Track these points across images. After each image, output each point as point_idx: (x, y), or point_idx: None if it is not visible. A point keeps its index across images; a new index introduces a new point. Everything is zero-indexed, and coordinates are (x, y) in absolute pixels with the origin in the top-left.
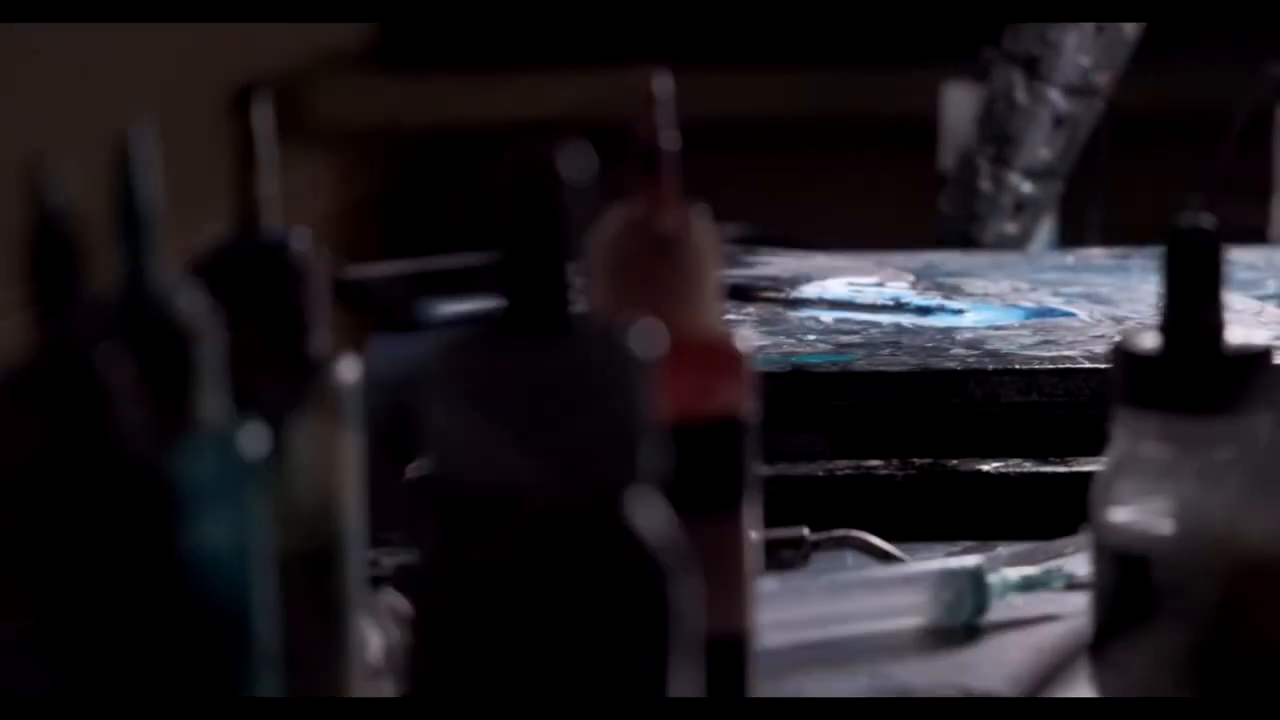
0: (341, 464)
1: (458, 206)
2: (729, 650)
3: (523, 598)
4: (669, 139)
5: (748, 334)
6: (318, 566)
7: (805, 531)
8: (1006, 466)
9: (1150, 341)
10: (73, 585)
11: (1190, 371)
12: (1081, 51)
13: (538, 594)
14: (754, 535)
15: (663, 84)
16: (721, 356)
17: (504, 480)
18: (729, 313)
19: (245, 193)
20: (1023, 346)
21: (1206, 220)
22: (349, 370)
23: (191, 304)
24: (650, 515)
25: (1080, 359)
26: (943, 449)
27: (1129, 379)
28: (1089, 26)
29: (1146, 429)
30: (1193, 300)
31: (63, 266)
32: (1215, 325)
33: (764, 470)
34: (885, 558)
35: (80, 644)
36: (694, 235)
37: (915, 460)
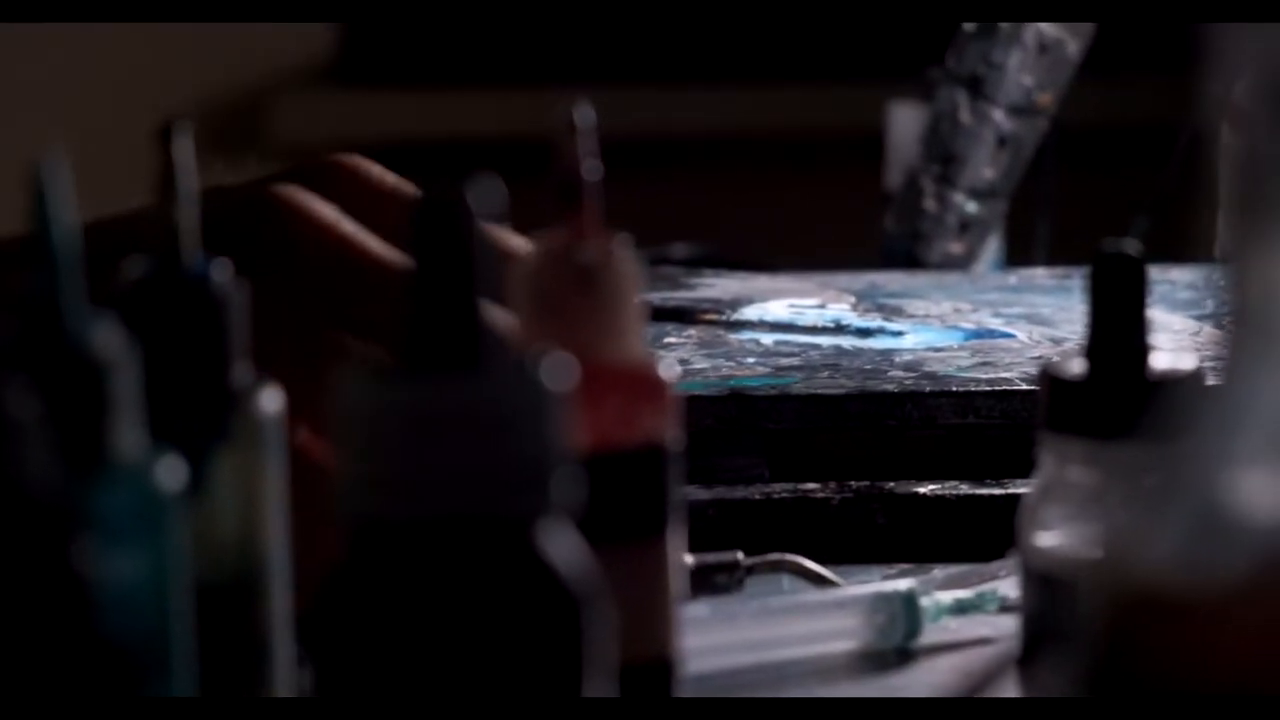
0: (264, 495)
1: None
2: (654, 677)
3: (432, 628)
4: (591, 169)
5: (672, 362)
6: (240, 599)
7: (739, 556)
8: (943, 489)
9: (1075, 366)
10: None
11: (1114, 397)
12: (1024, 71)
13: (448, 625)
14: (685, 560)
15: (584, 113)
16: (644, 384)
17: (412, 511)
18: (669, 335)
19: (166, 223)
20: (961, 368)
21: (1131, 244)
22: (271, 401)
23: (107, 336)
24: (563, 545)
25: (1017, 380)
26: (880, 471)
27: (1054, 404)
28: (1031, 46)
29: (1072, 454)
30: (1117, 325)
31: None
32: (1140, 350)
33: (702, 494)
34: (819, 581)
35: None
36: (616, 264)
37: (852, 483)
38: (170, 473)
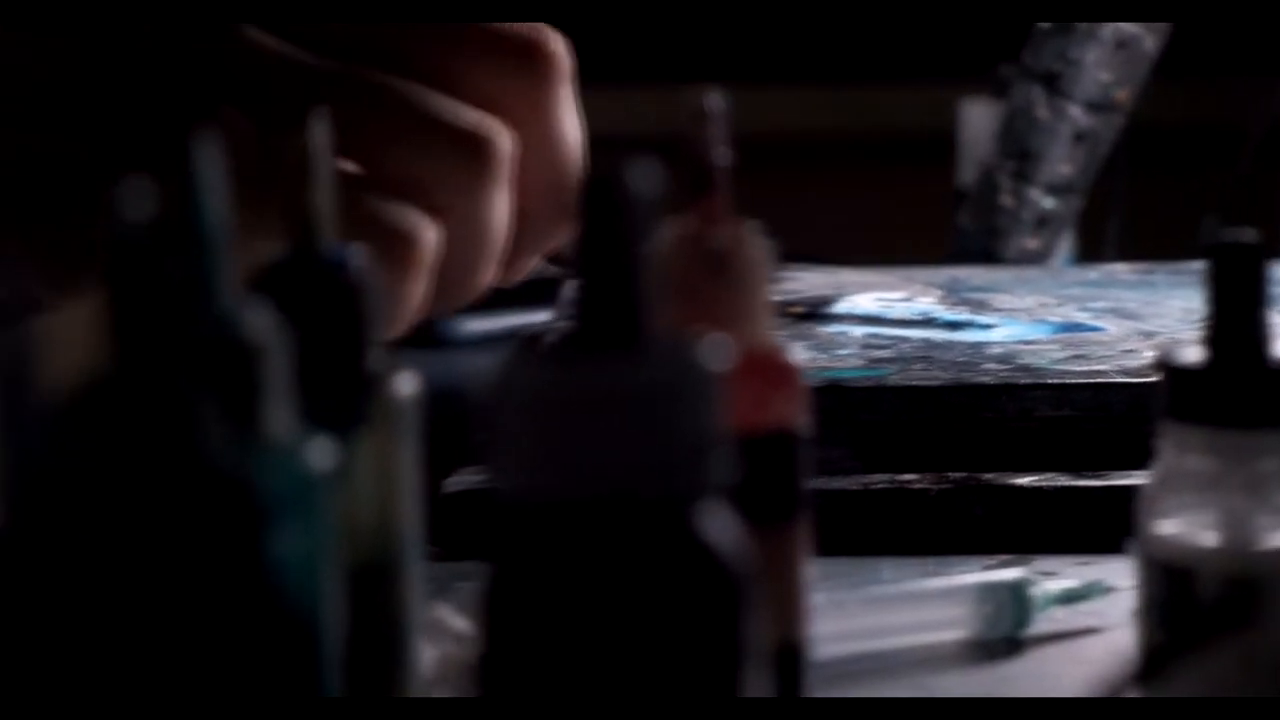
0: (400, 478)
1: None
2: (785, 662)
3: (594, 611)
4: (721, 155)
5: (799, 349)
6: (377, 580)
7: None
8: (1041, 480)
9: (1194, 355)
10: (163, 598)
11: (1235, 385)
12: (1101, 67)
13: (607, 605)
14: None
15: (715, 100)
16: (775, 370)
17: (573, 492)
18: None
19: (302, 209)
20: (1053, 361)
21: (1249, 233)
22: (407, 385)
23: (258, 319)
24: (720, 526)
25: (1112, 373)
26: (976, 463)
27: (1173, 392)
28: (1109, 42)
29: (1192, 442)
30: (1236, 313)
31: (140, 281)
32: (1260, 338)
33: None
34: None
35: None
36: (747, 251)
37: (950, 474)
38: (322, 453)
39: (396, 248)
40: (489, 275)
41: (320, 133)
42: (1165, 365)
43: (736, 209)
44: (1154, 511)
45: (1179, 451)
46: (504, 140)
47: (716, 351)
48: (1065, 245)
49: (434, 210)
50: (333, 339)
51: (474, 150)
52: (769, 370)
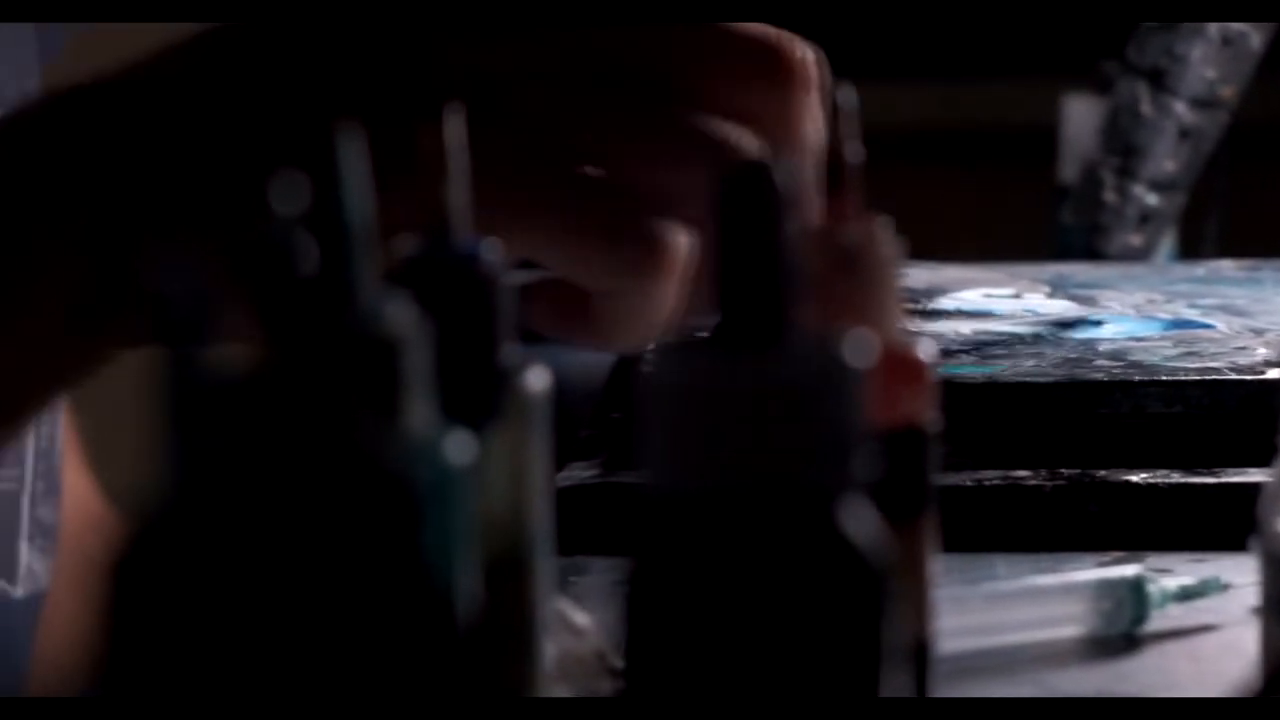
0: (532, 473)
1: None
2: (915, 658)
3: (739, 605)
4: (853, 151)
5: (931, 344)
6: (510, 574)
7: None
8: (1155, 477)
9: None
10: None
11: None
12: (1207, 64)
13: (754, 601)
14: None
15: (847, 96)
16: (905, 366)
17: (717, 485)
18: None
19: (437, 203)
20: (1166, 358)
21: None
22: (538, 380)
23: (400, 313)
24: (864, 521)
25: (1225, 370)
26: (1089, 459)
27: None
28: (1215, 39)
29: None
30: None
31: (291, 276)
32: None
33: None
34: None
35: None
36: (878, 246)
37: (1063, 470)
38: (461, 448)
39: (654, 253)
40: None
41: (455, 126)
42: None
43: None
44: (1277, 509)
45: None
46: (754, 152)
47: (860, 348)
48: (1167, 242)
49: (686, 220)
50: (467, 333)
51: (724, 162)
52: (901, 367)
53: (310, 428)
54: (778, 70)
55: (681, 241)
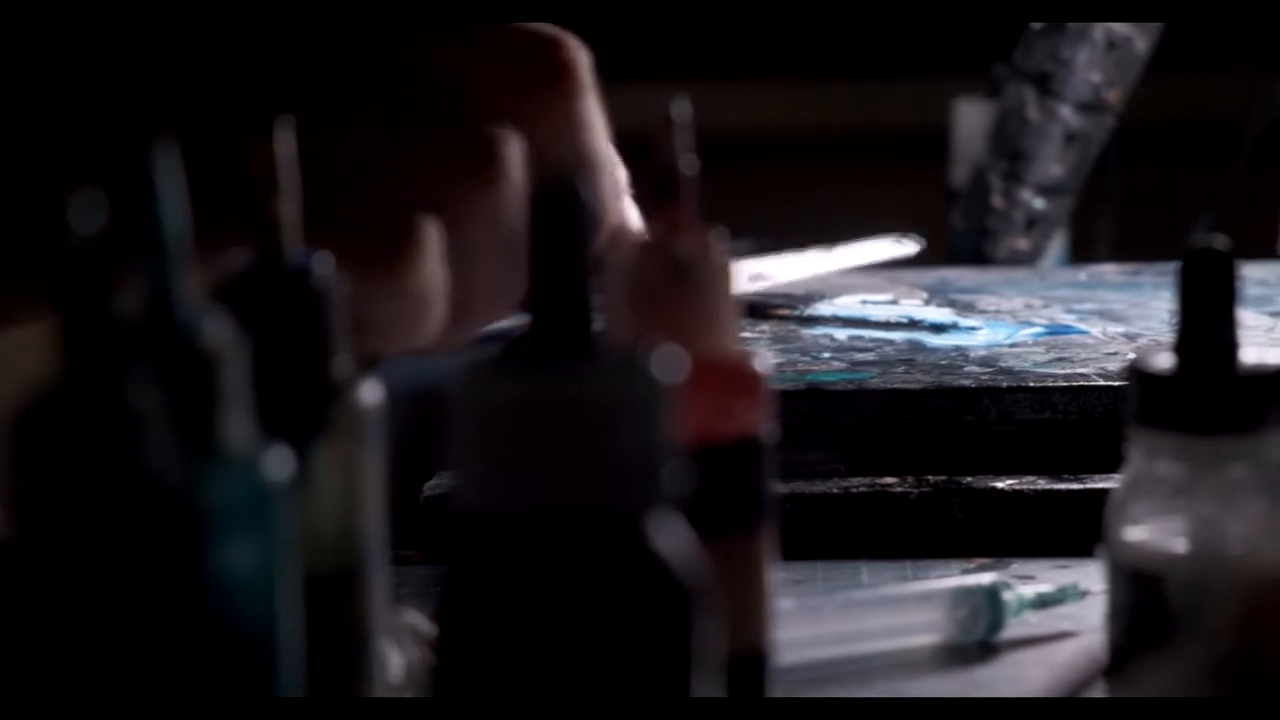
0: (363, 486)
1: None
2: (749, 668)
3: (545, 620)
4: (687, 162)
5: (766, 355)
6: (340, 588)
7: None
8: (1020, 484)
9: (1164, 361)
10: (99, 611)
11: (1204, 391)
12: (1093, 68)
13: (560, 616)
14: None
15: (681, 107)
16: (740, 378)
17: (526, 504)
18: (743, 330)
19: (267, 217)
20: (1036, 364)
21: (1220, 240)
22: (371, 393)
23: (217, 327)
24: (673, 538)
25: (1094, 376)
26: (957, 466)
27: (1143, 398)
28: (1100, 43)
29: (1161, 448)
30: (1207, 320)
31: (89, 290)
32: (1230, 344)
33: (779, 488)
34: None
35: (105, 668)
36: (712, 258)
37: (929, 477)
38: (279, 463)
39: (395, 240)
40: (510, 280)
41: (286, 141)
42: (1135, 371)
43: (724, 207)
44: (1123, 517)
45: (1148, 457)
46: (512, 147)
47: (669, 363)
48: (1057, 245)
49: (437, 210)
50: (297, 347)
51: (480, 157)
52: (733, 378)
53: (91, 447)
54: (544, 69)
55: (429, 228)
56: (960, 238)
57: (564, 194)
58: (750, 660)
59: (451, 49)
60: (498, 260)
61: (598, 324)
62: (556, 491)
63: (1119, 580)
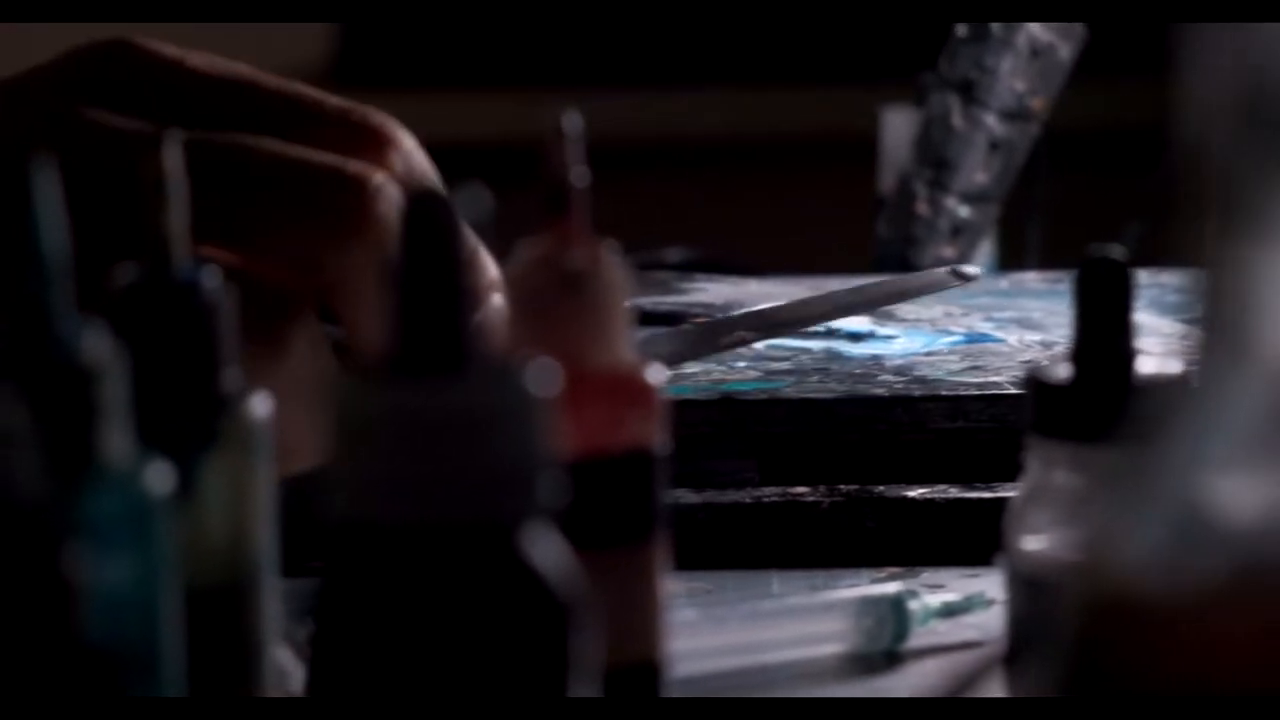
0: (254, 499)
1: None
2: (641, 680)
3: (419, 632)
4: (578, 175)
5: (659, 367)
6: (230, 602)
7: None
8: (933, 492)
9: (1062, 371)
10: None
11: (1100, 401)
12: (1016, 76)
13: (434, 628)
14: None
15: (572, 119)
16: (631, 389)
17: (398, 515)
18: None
19: (156, 230)
20: (950, 373)
21: (1117, 249)
22: (261, 406)
23: (95, 342)
24: (548, 549)
25: (1006, 385)
26: (870, 476)
27: (1040, 408)
28: (1024, 51)
29: (1058, 458)
30: (1103, 329)
31: None
32: (1126, 354)
33: (692, 498)
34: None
35: None
36: (603, 270)
37: (842, 487)
38: (158, 478)
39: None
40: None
41: (174, 154)
42: (1032, 380)
43: (652, 215)
44: (1021, 527)
45: (1045, 467)
46: (368, 194)
47: (543, 375)
48: (985, 253)
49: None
50: (184, 359)
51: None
52: (624, 390)
53: None
54: (362, 135)
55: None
56: (886, 246)
57: (432, 206)
58: (642, 671)
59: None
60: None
61: (472, 336)
62: (429, 503)
63: (1017, 590)
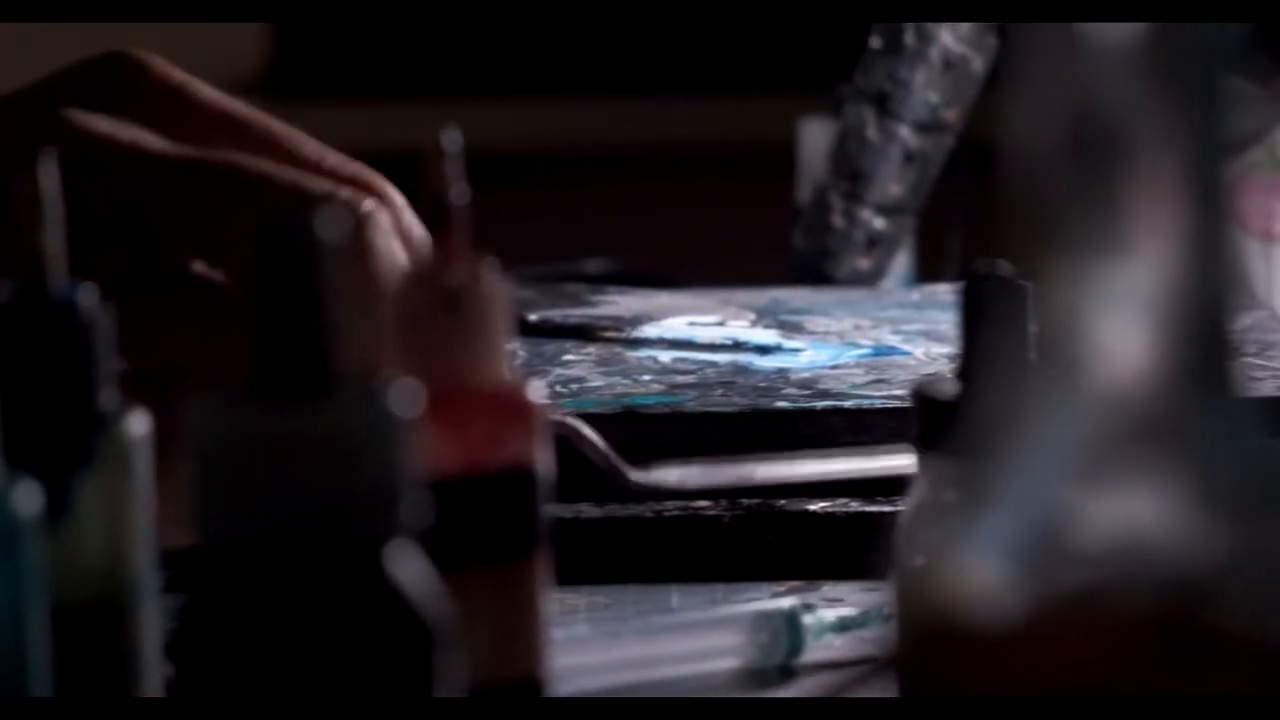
0: (131, 517)
1: None
2: (523, 696)
3: (282, 652)
4: (458, 192)
5: (540, 384)
6: (107, 620)
7: None
8: (834, 506)
9: (948, 386)
10: None
11: (985, 418)
12: (930, 88)
13: (298, 648)
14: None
15: (452, 136)
16: (511, 407)
17: (260, 535)
18: (569, 353)
19: (31, 248)
20: (854, 386)
21: (1005, 265)
22: (138, 424)
23: None
24: (411, 568)
25: (909, 398)
26: (772, 489)
27: (926, 424)
28: (937, 63)
29: (944, 475)
30: (990, 345)
31: None
32: (1014, 371)
33: (593, 512)
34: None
35: None
36: (483, 288)
37: (743, 501)
38: (26, 498)
39: None
40: None
41: (49, 173)
42: (918, 397)
43: (574, 226)
44: (909, 543)
45: (932, 484)
46: (360, 218)
47: (406, 395)
48: (903, 264)
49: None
50: (61, 378)
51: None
52: (503, 407)
53: None
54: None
55: None
56: (802, 257)
57: (292, 225)
58: (525, 687)
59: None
60: None
61: (337, 356)
62: (291, 523)
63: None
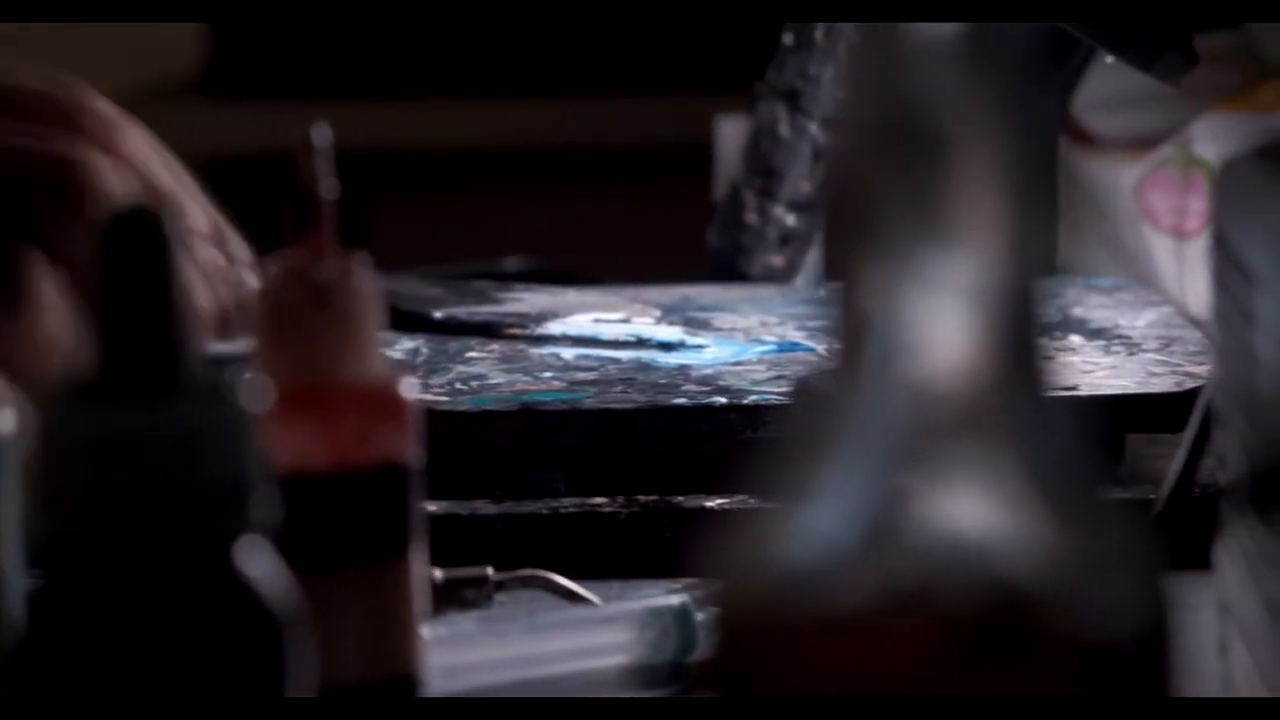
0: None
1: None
2: (396, 694)
3: (130, 649)
4: (328, 187)
5: (412, 380)
6: None
7: (489, 571)
8: (731, 502)
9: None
10: None
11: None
12: (839, 84)
13: (145, 645)
14: (434, 575)
15: (321, 132)
16: (382, 403)
17: (107, 531)
18: (472, 350)
19: None
20: (754, 383)
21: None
22: (5, 422)
23: None
24: (261, 564)
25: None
26: (671, 486)
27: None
28: (845, 60)
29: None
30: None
31: None
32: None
33: (490, 509)
34: (572, 597)
35: None
36: (353, 283)
37: (640, 497)
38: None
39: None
40: None
41: None
42: (800, 392)
43: (493, 224)
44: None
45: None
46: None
47: (254, 391)
48: (814, 261)
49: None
50: None
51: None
52: (375, 403)
53: None
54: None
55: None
56: (717, 255)
57: (138, 219)
58: (398, 685)
59: None
60: None
61: (185, 352)
62: (139, 519)
63: None
